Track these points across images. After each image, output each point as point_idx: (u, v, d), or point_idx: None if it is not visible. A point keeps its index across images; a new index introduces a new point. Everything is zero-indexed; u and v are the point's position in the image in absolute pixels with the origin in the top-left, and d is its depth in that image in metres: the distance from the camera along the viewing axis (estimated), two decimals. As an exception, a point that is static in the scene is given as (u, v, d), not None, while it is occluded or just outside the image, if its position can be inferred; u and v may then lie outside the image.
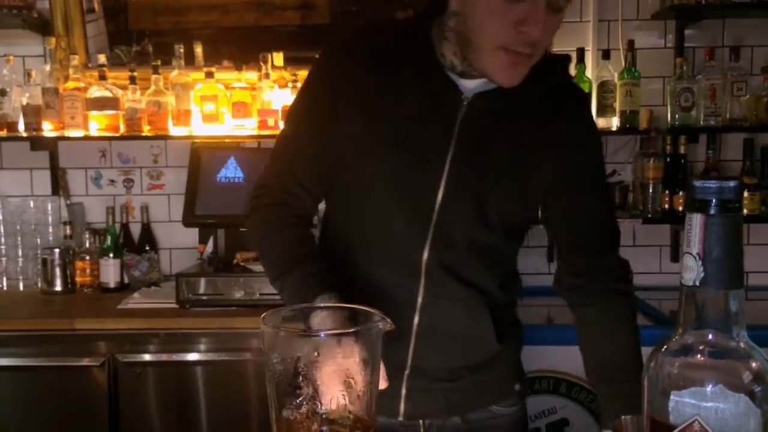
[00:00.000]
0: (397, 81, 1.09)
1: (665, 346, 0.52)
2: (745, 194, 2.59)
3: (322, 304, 0.89)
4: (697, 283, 0.50)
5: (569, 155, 1.14)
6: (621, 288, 1.17)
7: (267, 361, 0.66)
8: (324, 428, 0.67)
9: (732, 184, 0.49)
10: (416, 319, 1.14)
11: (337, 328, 0.79)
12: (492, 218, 1.12)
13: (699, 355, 0.50)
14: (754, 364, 0.50)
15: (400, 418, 1.18)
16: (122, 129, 2.61)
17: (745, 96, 2.58)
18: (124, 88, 2.62)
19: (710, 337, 0.50)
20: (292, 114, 1.21)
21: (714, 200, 0.49)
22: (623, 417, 0.70)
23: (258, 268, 2.41)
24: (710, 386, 0.49)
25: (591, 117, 1.23)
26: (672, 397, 0.50)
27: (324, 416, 0.67)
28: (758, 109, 2.56)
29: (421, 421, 1.19)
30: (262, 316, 0.67)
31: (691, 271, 0.50)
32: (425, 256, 1.12)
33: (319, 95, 1.13)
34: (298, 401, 0.65)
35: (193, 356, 2.26)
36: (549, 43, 1.06)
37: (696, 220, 0.50)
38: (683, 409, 0.49)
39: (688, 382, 0.49)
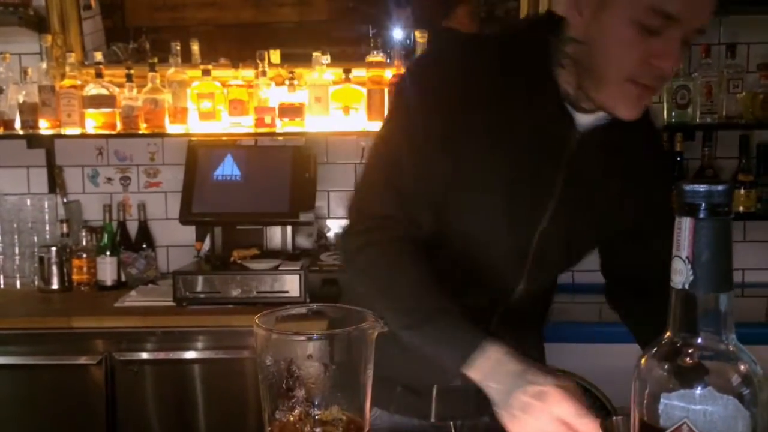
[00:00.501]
0: (511, 105, 1.04)
1: (655, 349, 0.52)
2: (741, 192, 2.60)
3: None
4: (687, 286, 0.50)
5: (654, 190, 1.14)
6: None
7: (260, 363, 0.66)
8: (317, 430, 0.67)
9: (721, 187, 0.49)
10: None
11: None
12: (578, 250, 1.13)
13: (688, 358, 0.50)
14: (742, 367, 0.50)
15: (432, 420, 1.17)
16: (119, 127, 2.61)
17: (741, 93, 2.58)
18: (120, 85, 2.62)
19: (699, 339, 0.50)
20: (401, 136, 1.09)
21: (703, 204, 0.49)
22: (614, 417, 0.70)
23: (255, 265, 2.42)
24: (699, 389, 0.49)
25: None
26: (662, 399, 0.50)
27: (317, 418, 0.67)
28: (754, 106, 2.56)
29: (452, 422, 1.18)
30: (256, 318, 0.67)
31: (681, 275, 0.50)
32: (519, 287, 1.11)
33: (432, 120, 1.04)
34: (291, 403, 0.66)
35: (190, 354, 2.27)
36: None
37: (685, 224, 0.50)
38: (672, 411, 0.49)
39: (678, 384, 0.50)
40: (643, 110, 1.00)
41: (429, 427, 1.17)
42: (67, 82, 2.60)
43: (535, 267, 1.10)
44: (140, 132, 2.61)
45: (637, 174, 1.10)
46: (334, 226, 2.87)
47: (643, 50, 0.92)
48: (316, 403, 0.67)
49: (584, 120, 1.04)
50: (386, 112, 1.19)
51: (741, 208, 2.60)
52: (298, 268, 2.40)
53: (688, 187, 0.50)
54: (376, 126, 2.59)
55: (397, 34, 2.78)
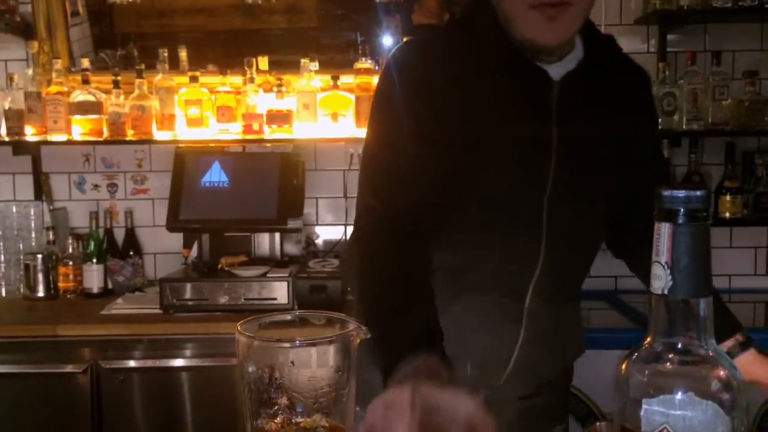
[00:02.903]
0: (486, 80, 1.06)
1: (635, 354, 0.52)
2: (727, 198, 2.61)
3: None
4: (666, 292, 0.50)
5: (647, 131, 1.17)
6: None
7: (242, 370, 0.66)
8: (300, 437, 0.67)
9: (699, 193, 0.49)
10: (521, 333, 1.13)
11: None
12: (588, 218, 1.12)
13: (668, 363, 0.50)
14: (722, 372, 0.50)
15: None
16: (106, 133, 2.60)
17: (727, 100, 2.60)
18: (107, 92, 2.61)
19: (679, 345, 0.50)
20: (371, 131, 1.15)
21: (682, 209, 0.49)
22: (597, 423, 0.70)
23: (243, 272, 2.41)
24: (679, 394, 0.49)
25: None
26: (643, 405, 0.50)
27: (299, 425, 0.67)
28: (740, 113, 2.58)
29: None
30: (238, 325, 0.66)
31: (660, 280, 0.50)
32: (539, 264, 1.10)
33: (409, 108, 1.07)
34: (272, 411, 0.65)
35: (178, 362, 2.25)
36: None
37: (664, 230, 0.50)
38: (653, 417, 0.49)
39: (658, 389, 0.50)
40: (570, 31, 1.01)
41: None
42: (53, 88, 2.59)
43: (551, 240, 1.08)
44: (127, 138, 2.59)
45: (625, 120, 1.10)
46: (323, 233, 2.87)
47: None
48: (299, 410, 0.66)
49: (555, 70, 1.06)
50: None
51: (727, 214, 2.61)
52: (287, 275, 2.40)
53: (666, 193, 0.50)
54: (365, 133, 2.59)
55: (386, 41, 2.78)
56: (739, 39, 2.73)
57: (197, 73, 2.60)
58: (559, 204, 1.07)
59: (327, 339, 0.65)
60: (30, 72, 2.59)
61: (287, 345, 0.64)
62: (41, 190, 2.78)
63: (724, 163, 2.69)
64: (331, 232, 2.86)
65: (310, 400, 0.66)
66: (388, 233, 1.05)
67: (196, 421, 2.25)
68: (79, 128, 2.58)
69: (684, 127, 2.58)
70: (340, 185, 2.85)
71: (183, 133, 2.61)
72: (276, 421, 0.66)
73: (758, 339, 2.11)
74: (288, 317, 0.72)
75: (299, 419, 0.66)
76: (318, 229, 2.88)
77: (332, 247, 2.83)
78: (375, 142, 1.14)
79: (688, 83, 2.57)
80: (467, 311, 1.10)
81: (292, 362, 0.65)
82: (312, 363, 0.65)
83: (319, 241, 2.87)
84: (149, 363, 2.25)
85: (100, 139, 2.61)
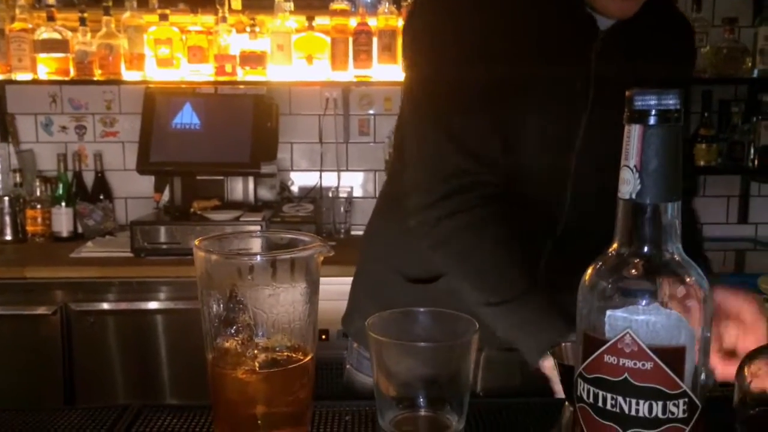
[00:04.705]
0: (534, 14, 0.99)
1: (600, 262, 0.51)
2: (702, 146, 2.62)
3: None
4: (634, 196, 0.48)
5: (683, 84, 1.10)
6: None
7: (200, 287, 0.63)
8: (261, 357, 0.65)
9: (671, 93, 0.47)
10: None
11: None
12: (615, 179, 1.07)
13: (633, 270, 0.49)
14: (688, 279, 0.49)
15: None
16: (72, 73, 2.52)
17: (706, 48, 2.58)
18: (74, 30, 2.52)
19: (645, 250, 0.49)
20: (436, 76, 1.00)
21: (653, 111, 0.47)
22: (563, 343, 0.70)
23: (215, 216, 2.38)
24: (644, 301, 0.48)
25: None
26: (607, 312, 0.49)
27: (261, 344, 0.65)
28: (718, 61, 2.56)
29: None
30: (197, 240, 0.64)
31: (628, 184, 0.49)
32: (563, 220, 1.03)
33: (461, 42, 0.97)
34: (233, 329, 0.63)
35: (151, 305, 2.23)
36: None
37: (634, 132, 0.48)
38: (615, 323, 0.48)
39: (622, 297, 0.49)
40: (636, 8, 0.96)
41: None
42: (17, 25, 2.49)
43: (576, 198, 1.03)
44: (95, 79, 2.52)
45: (663, 73, 1.04)
46: (298, 179, 2.83)
47: None
48: (260, 330, 0.64)
49: (603, 21, 1.00)
50: (402, 62, 1.09)
51: (702, 162, 2.62)
52: (260, 219, 2.37)
53: (638, 94, 0.48)
54: (341, 76, 2.54)
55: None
56: (720, -15, 2.70)
57: (167, 11, 2.52)
58: (586, 164, 1.02)
59: (288, 254, 0.63)
60: (-8, 7, 2.50)
61: (247, 259, 0.62)
62: (7, 131, 2.71)
63: (700, 112, 2.69)
64: (306, 178, 2.83)
65: (272, 317, 0.64)
66: (502, 202, 0.95)
67: (170, 363, 2.25)
68: (45, 67, 2.50)
69: (662, 74, 2.56)
70: (315, 130, 2.80)
71: (153, 73, 2.54)
72: (237, 338, 0.64)
73: (729, 285, 2.15)
74: (252, 235, 0.69)
75: (260, 338, 0.65)
76: (293, 175, 2.84)
77: (307, 192, 2.80)
78: (443, 76, 0.98)
79: (668, 29, 2.54)
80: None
81: (253, 278, 0.63)
82: (272, 279, 0.63)
83: (294, 188, 2.83)
84: (122, 306, 2.23)
85: (66, 78, 2.53)
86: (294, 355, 0.66)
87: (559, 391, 0.82)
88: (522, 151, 1.00)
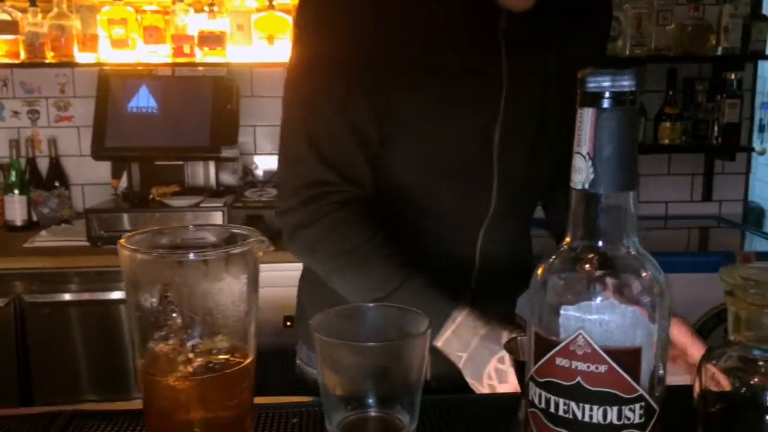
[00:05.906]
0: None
1: (553, 258, 0.47)
2: (667, 124, 2.61)
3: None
4: (587, 186, 0.45)
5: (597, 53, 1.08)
6: None
7: (127, 289, 0.59)
8: (197, 360, 0.60)
9: (626, 73, 0.43)
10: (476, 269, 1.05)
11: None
12: (540, 157, 1.02)
13: (587, 265, 0.46)
14: (644, 274, 0.46)
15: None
16: (23, 56, 2.42)
17: (671, 25, 2.57)
18: (23, 10, 2.42)
19: (600, 244, 0.46)
20: (316, 68, 0.94)
21: (607, 92, 0.44)
22: (519, 338, 0.66)
23: (175, 202, 2.31)
24: (599, 299, 0.45)
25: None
26: (561, 311, 0.45)
27: (197, 347, 0.60)
28: (682, 38, 2.55)
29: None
30: (122, 239, 0.59)
31: (581, 173, 0.45)
32: (492, 205, 1.00)
33: (354, 43, 0.91)
34: (163, 333, 0.59)
35: (111, 295, 2.16)
36: None
37: (587, 116, 0.44)
38: (568, 323, 0.45)
39: (576, 294, 0.45)
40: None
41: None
42: (-39, 5, 2.38)
43: (503, 180, 1.00)
44: (47, 61, 2.42)
45: (577, 43, 1.00)
46: (262, 163, 2.77)
47: None
48: (195, 333, 0.60)
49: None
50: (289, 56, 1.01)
51: (666, 141, 2.62)
52: (221, 204, 2.31)
53: (590, 75, 0.44)
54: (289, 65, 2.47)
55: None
56: (685, -38, 2.67)
57: (121, -10, 2.43)
58: (510, 146, 0.98)
59: (223, 251, 0.58)
60: (-66, -14, 2.38)
61: (177, 258, 0.58)
62: (-45, 117, 2.60)
63: (665, 90, 2.68)
64: (270, 161, 2.76)
65: (207, 318, 0.59)
66: (354, 210, 0.93)
67: (134, 354, 2.18)
68: (-7, 50, 2.39)
69: (627, 53, 2.54)
70: (278, 112, 2.73)
71: (107, 55, 2.45)
72: (168, 342, 0.59)
73: (693, 263, 2.15)
74: (186, 230, 0.64)
75: (196, 341, 0.60)
76: (257, 159, 2.77)
77: (271, 177, 2.74)
78: (319, 86, 0.93)
79: (633, 7, 2.52)
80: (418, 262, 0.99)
81: (184, 278, 0.58)
82: (206, 278, 0.58)
83: (258, 172, 2.77)
84: (80, 297, 2.16)
85: (17, 61, 2.43)
86: (233, 358, 0.62)
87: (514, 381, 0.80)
88: (436, 140, 0.95)
